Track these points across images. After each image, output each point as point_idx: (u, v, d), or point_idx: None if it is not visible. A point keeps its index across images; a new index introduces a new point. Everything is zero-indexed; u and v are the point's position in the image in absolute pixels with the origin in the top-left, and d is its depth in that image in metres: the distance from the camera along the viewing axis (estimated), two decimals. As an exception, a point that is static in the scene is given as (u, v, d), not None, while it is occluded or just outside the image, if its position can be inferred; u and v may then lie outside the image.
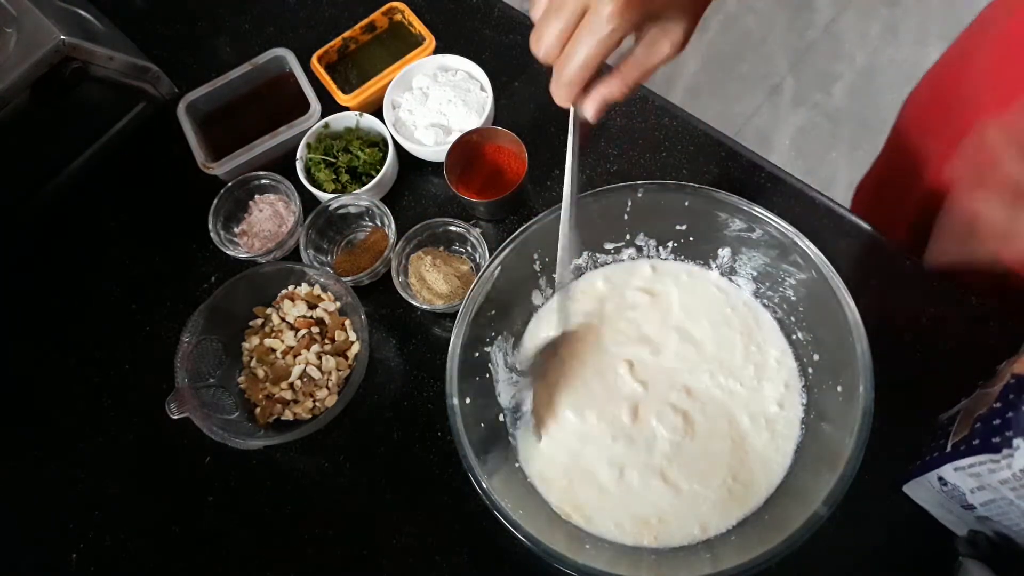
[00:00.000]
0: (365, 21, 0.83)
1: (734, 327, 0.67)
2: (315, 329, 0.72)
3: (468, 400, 0.60)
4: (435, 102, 0.79)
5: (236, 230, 0.78)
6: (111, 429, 0.74)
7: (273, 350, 0.72)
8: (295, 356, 0.71)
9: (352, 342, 0.72)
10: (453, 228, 0.74)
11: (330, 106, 0.81)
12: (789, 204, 0.74)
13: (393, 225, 0.74)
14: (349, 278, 0.73)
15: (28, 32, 0.71)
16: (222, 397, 0.70)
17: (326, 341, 0.72)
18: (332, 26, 0.86)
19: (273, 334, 0.73)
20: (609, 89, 0.50)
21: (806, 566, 0.62)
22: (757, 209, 0.61)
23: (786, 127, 1.78)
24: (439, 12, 0.86)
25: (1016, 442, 0.46)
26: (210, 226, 0.76)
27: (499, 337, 0.66)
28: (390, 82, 0.80)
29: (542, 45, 0.48)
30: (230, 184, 0.77)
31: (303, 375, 0.70)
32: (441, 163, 0.75)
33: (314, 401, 0.70)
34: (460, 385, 0.59)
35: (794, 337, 0.65)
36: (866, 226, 0.73)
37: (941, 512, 0.60)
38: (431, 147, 0.77)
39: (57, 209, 0.83)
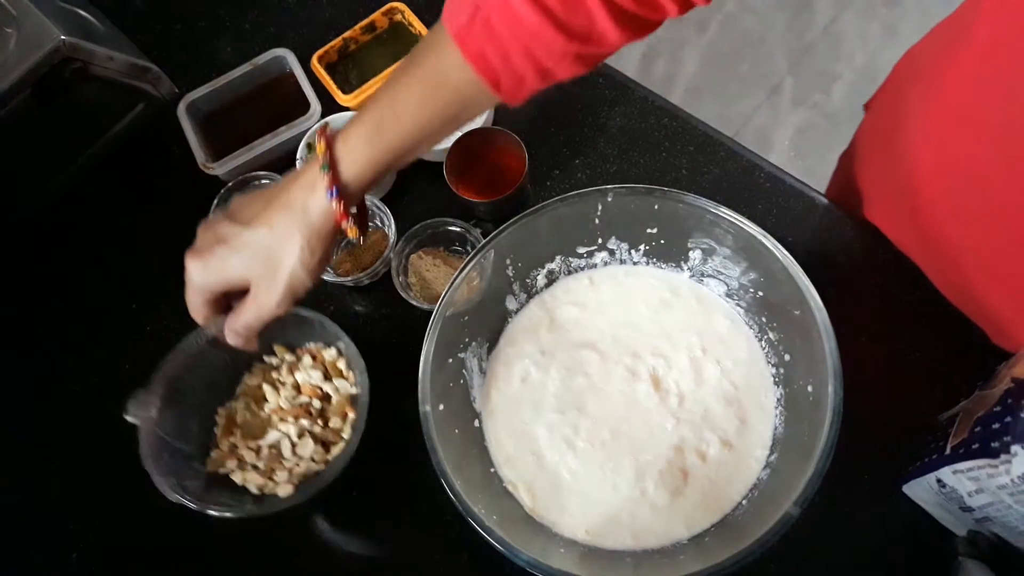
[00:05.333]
0: (365, 21, 0.83)
1: (698, 328, 0.67)
2: (317, 404, 0.66)
3: (442, 407, 0.60)
4: (435, 102, 0.79)
5: (236, 230, 0.78)
6: (111, 429, 0.74)
7: (265, 399, 0.67)
8: (280, 420, 0.65)
9: (343, 438, 0.65)
10: (453, 228, 0.74)
11: (330, 106, 0.81)
12: (789, 204, 0.74)
13: (393, 225, 0.74)
14: (349, 278, 0.73)
15: (28, 32, 0.71)
16: (190, 419, 0.64)
17: (318, 423, 0.66)
18: (332, 26, 0.86)
19: (277, 383, 0.67)
20: (226, 330, 0.58)
21: (806, 565, 0.63)
22: (723, 211, 0.61)
23: (786, 127, 1.78)
24: (439, 12, 0.86)
25: (1014, 448, 0.46)
26: (210, 226, 0.76)
27: (473, 343, 0.66)
28: (390, 82, 0.80)
29: None
30: (230, 184, 0.77)
31: (274, 446, 0.64)
32: (441, 163, 0.75)
33: (269, 479, 0.63)
34: (433, 391, 0.59)
35: (766, 338, 0.65)
36: (866, 226, 0.73)
37: (940, 513, 0.61)
38: (431, 147, 0.77)
39: (57, 209, 0.83)
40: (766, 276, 0.62)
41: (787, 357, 0.63)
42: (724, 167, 0.77)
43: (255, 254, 0.54)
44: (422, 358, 0.59)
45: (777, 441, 0.62)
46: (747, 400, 0.64)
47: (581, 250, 0.69)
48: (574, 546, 0.60)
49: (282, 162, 0.80)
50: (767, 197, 0.75)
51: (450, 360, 0.63)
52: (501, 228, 0.63)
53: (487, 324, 0.68)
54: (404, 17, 0.83)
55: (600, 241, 0.69)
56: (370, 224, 0.78)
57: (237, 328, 0.57)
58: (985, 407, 0.53)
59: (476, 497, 0.56)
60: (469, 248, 0.75)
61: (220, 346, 0.60)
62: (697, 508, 0.61)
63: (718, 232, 0.63)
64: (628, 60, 1.86)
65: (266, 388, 0.67)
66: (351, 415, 0.65)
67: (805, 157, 1.75)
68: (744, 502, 0.60)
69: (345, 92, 0.80)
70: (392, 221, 0.74)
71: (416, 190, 0.80)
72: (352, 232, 0.55)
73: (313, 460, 0.64)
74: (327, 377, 0.67)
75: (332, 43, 0.83)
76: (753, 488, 0.61)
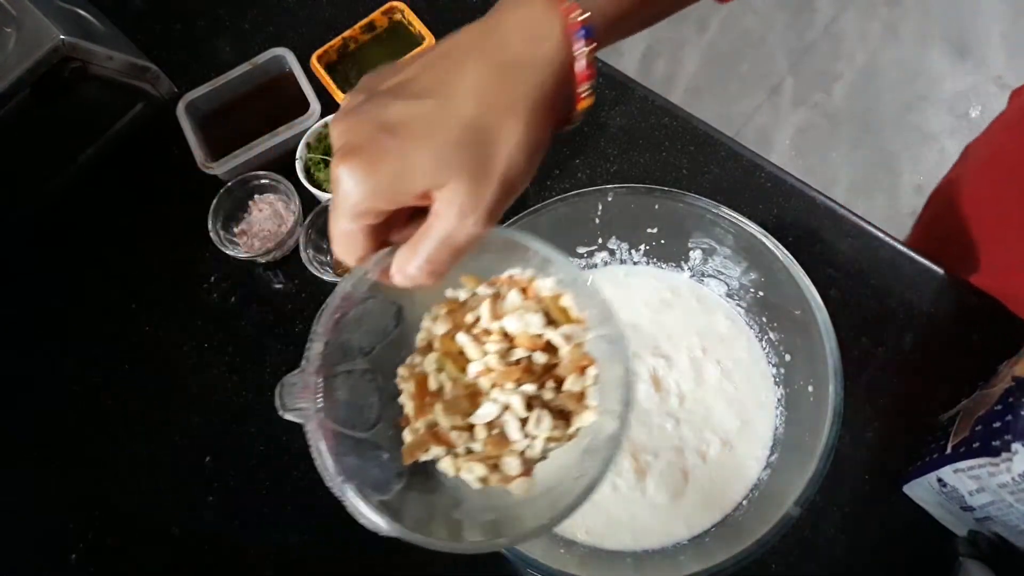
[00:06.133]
0: (365, 21, 0.83)
1: (698, 328, 0.67)
2: (540, 358, 0.43)
3: None
4: (435, 102, 0.79)
5: (236, 230, 0.78)
6: (111, 429, 0.74)
7: (465, 357, 0.44)
8: (492, 386, 0.43)
9: (587, 405, 0.44)
10: (453, 228, 0.73)
11: (330, 106, 0.81)
12: (789, 204, 0.74)
13: (393, 225, 0.74)
14: (349, 278, 0.73)
15: (28, 32, 0.71)
16: (365, 393, 0.45)
17: (546, 386, 0.44)
18: (332, 25, 0.86)
19: (475, 331, 0.44)
20: (399, 265, 0.39)
21: (806, 565, 0.63)
22: (724, 211, 0.61)
23: (786, 127, 1.78)
24: (439, 12, 0.86)
25: (1015, 446, 0.46)
26: (209, 226, 0.75)
27: None
28: (390, 82, 0.80)
29: None
30: (230, 184, 0.77)
31: (494, 423, 0.43)
32: (441, 163, 0.75)
33: (493, 469, 0.43)
34: None
35: (766, 338, 0.65)
36: (866, 226, 0.73)
37: (941, 512, 0.60)
38: (431, 147, 0.77)
39: (57, 209, 0.83)
40: (767, 276, 0.62)
41: (788, 357, 0.63)
42: (724, 167, 0.77)
43: (453, 140, 0.35)
44: None
45: (777, 441, 0.62)
46: (748, 400, 0.64)
47: (581, 250, 0.69)
48: (574, 546, 0.60)
49: (281, 162, 0.80)
50: (768, 197, 0.75)
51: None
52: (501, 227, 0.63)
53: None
54: (404, 16, 0.83)
55: (600, 241, 0.69)
56: (370, 224, 0.78)
57: (419, 264, 0.38)
58: (986, 406, 0.53)
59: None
60: (469, 248, 0.74)
61: (382, 291, 0.42)
62: (697, 508, 0.61)
63: (718, 232, 0.63)
64: (628, 60, 1.86)
65: (463, 342, 0.44)
66: (593, 370, 0.44)
67: (806, 157, 1.75)
68: (744, 502, 0.60)
69: (345, 92, 0.80)
70: (392, 221, 0.73)
71: (416, 190, 0.80)
72: (588, 101, 0.40)
73: (553, 439, 0.43)
74: (550, 321, 0.44)
75: (332, 42, 0.83)
76: (753, 488, 0.61)
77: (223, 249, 0.75)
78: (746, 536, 0.53)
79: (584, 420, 0.43)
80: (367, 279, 0.41)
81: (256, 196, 0.79)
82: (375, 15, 0.83)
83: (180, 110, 0.80)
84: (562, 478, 0.44)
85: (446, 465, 0.43)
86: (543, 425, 0.42)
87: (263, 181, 0.77)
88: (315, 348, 0.41)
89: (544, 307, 0.45)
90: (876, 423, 0.65)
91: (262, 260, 0.76)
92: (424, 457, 0.43)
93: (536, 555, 0.53)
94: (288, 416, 0.42)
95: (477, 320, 0.44)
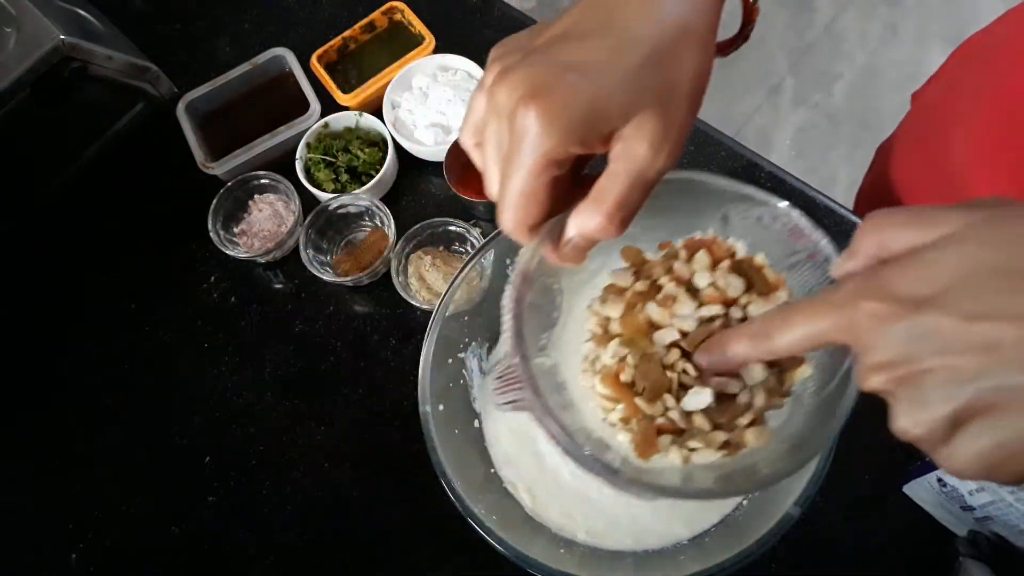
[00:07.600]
0: (365, 20, 0.83)
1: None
2: (736, 313, 0.40)
3: (442, 407, 0.59)
4: (435, 102, 0.79)
5: (236, 230, 0.78)
6: (110, 429, 0.74)
7: (655, 326, 0.40)
8: (683, 356, 0.40)
9: (800, 359, 0.41)
10: (453, 228, 0.74)
11: (330, 106, 0.81)
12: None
13: (393, 225, 0.74)
14: (349, 278, 0.73)
15: (28, 32, 0.71)
16: (554, 382, 0.43)
17: None
18: (332, 26, 0.86)
19: (659, 299, 0.41)
20: (582, 222, 0.36)
21: (806, 565, 0.63)
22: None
23: (786, 127, 1.79)
24: (439, 12, 0.86)
25: (1016, 444, 0.46)
26: (209, 226, 0.76)
27: (473, 343, 0.66)
28: (390, 82, 0.80)
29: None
30: (230, 184, 0.77)
31: (723, 396, 0.40)
32: (441, 163, 0.75)
33: (729, 434, 0.40)
34: (433, 391, 0.58)
35: None
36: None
37: (941, 512, 0.60)
38: (431, 147, 0.77)
39: (56, 209, 0.83)
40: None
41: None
42: (725, 166, 0.77)
43: (639, 64, 0.34)
44: (422, 358, 0.59)
45: (778, 439, 0.62)
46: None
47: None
48: (574, 547, 0.60)
49: (281, 162, 0.80)
50: (767, 197, 0.75)
51: (450, 360, 0.63)
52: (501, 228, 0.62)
53: (487, 324, 0.68)
54: (404, 16, 0.83)
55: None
56: (370, 224, 0.78)
57: (609, 211, 0.35)
58: (986, 407, 0.53)
59: (476, 497, 0.56)
60: (469, 248, 0.75)
61: (542, 275, 0.39)
62: (697, 508, 0.60)
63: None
64: (628, 60, 1.86)
65: (652, 311, 0.40)
66: None
67: (806, 157, 1.75)
68: (744, 502, 0.60)
69: (345, 91, 0.80)
70: (392, 221, 0.74)
71: (416, 190, 0.80)
72: (757, 9, 0.40)
73: (769, 391, 0.41)
74: (745, 279, 0.41)
75: (332, 42, 0.83)
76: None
77: (223, 249, 0.75)
78: (746, 536, 0.53)
79: (801, 373, 0.41)
80: (539, 254, 0.39)
81: (256, 196, 0.79)
82: (375, 15, 0.83)
83: (180, 110, 0.80)
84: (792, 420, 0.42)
85: (676, 455, 0.40)
86: (754, 373, 0.40)
87: (263, 181, 0.78)
88: (511, 329, 0.39)
89: (744, 264, 0.42)
90: (876, 423, 0.65)
91: (262, 260, 0.76)
92: (656, 459, 0.40)
93: (536, 555, 0.53)
94: (506, 410, 0.42)
95: (655, 288, 0.41)
